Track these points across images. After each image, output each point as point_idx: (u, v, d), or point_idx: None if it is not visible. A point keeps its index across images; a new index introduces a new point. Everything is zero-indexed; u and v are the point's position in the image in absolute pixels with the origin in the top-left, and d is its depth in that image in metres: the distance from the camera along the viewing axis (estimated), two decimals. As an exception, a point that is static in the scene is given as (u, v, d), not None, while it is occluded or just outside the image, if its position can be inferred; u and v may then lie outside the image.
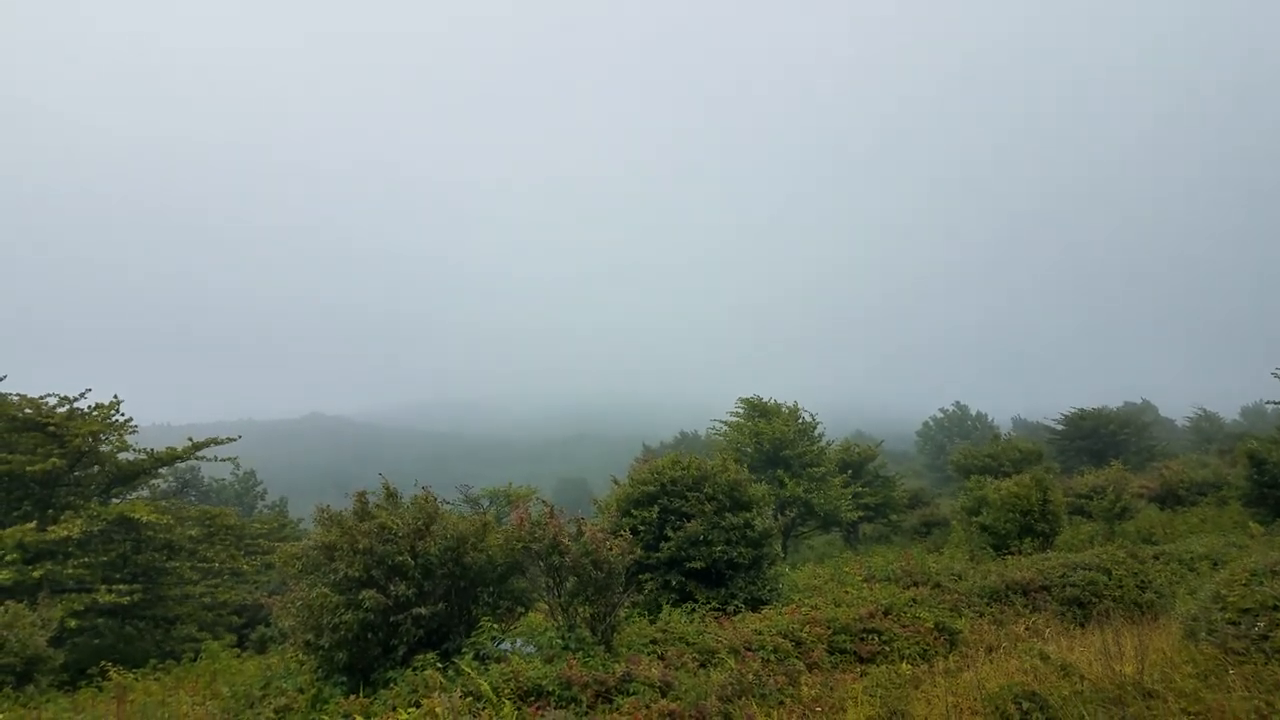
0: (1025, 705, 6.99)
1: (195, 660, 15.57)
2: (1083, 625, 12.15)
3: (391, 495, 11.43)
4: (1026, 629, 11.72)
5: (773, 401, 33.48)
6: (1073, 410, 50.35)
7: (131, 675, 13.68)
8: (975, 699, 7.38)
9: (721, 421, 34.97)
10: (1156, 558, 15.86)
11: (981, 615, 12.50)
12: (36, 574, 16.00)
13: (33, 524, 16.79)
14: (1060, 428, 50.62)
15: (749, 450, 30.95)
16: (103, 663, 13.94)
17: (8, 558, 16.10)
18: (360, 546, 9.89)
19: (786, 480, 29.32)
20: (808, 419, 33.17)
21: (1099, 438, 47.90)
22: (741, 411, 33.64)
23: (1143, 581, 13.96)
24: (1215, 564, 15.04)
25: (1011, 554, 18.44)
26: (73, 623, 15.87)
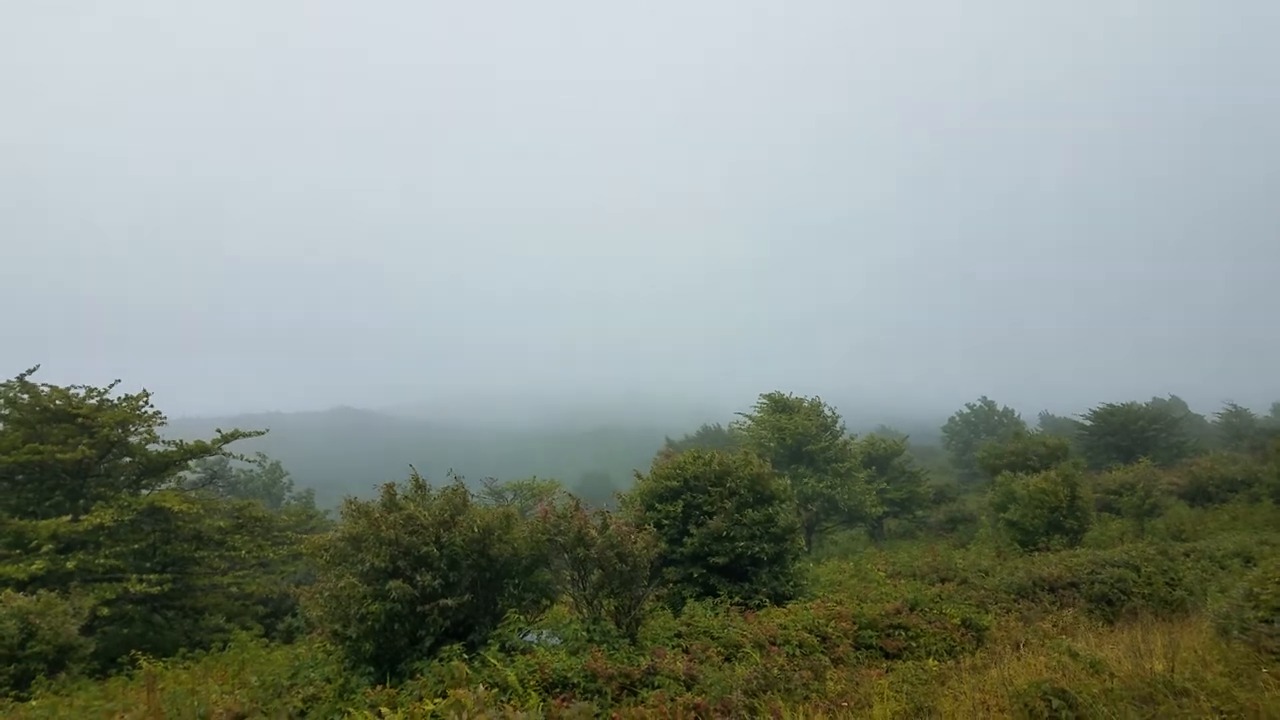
0: (1054, 702, 6.90)
1: (224, 650, 15.77)
2: (1111, 622, 12.02)
3: (420, 487, 11.47)
4: (1054, 626, 11.61)
5: (794, 397, 33.42)
6: (1102, 406, 49.70)
7: (161, 664, 13.87)
8: (1003, 695, 7.31)
9: (745, 415, 35.02)
10: (1187, 555, 15.65)
11: (1009, 611, 12.41)
12: (70, 564, 16.25)
13: (68, 517, 17.07)
14: (1089, 423, 49.98)
15: (771, 445, 30.93)
16: (133, 651, 14.12)
17: (43, 548, 16.38)
18: (386, 537, 9.96)
19: (808, 476, 29.24)
20: (829, 414, 33.08)
21: (1128, 434, 47.25)
22: (765, 405, 33.63)
23: (1172, 579, 13.79)
24: (1247, 561, 14.82)
25: (1039, 550, 18.29)
26: (105, 611, 16.13)
